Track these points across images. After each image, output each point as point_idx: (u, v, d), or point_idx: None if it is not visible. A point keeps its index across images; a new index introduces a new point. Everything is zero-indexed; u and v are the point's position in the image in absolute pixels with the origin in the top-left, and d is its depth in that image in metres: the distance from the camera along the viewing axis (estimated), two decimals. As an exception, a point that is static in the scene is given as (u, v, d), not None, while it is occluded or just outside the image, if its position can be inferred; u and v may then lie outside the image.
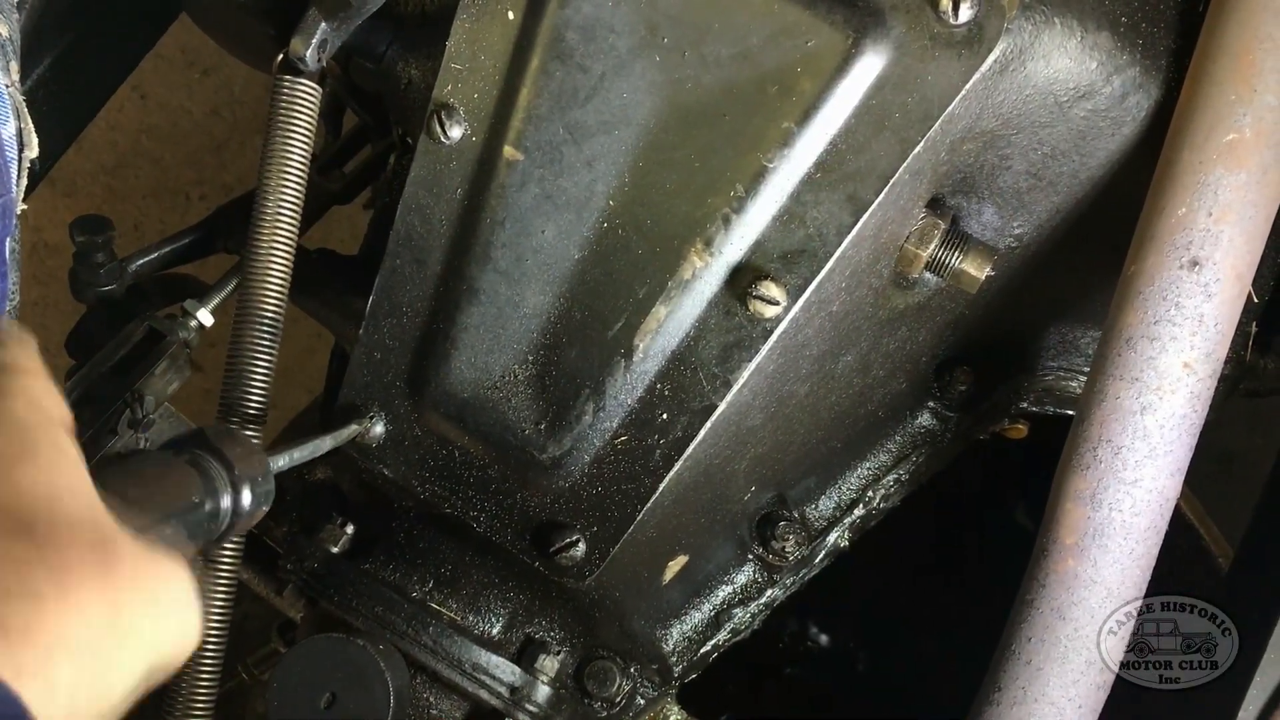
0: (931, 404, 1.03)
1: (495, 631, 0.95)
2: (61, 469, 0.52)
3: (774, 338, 0.80)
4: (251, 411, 0.85)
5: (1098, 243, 0.89)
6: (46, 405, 0.54)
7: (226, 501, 0.68)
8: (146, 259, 0.98)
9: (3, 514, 0.47)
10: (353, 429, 0.88)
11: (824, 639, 1.69)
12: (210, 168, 2.28)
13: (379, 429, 0.88)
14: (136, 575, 0.50)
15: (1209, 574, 1.19)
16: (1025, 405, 1.04)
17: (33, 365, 0.55)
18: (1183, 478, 0.83)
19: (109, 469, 0.61)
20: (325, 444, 0.85)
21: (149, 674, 0.51)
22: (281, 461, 0.79)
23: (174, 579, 0.53)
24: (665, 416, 0.83)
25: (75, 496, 0.51)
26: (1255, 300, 0.98)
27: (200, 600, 0.56)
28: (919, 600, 1.63)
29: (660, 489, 0.84)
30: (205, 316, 0.93)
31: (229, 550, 0.88)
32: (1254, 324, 1.00)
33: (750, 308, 0.80)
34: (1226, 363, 0.98)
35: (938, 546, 1.56)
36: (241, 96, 2.24)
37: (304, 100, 0.84)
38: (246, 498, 0.69)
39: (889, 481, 1.04)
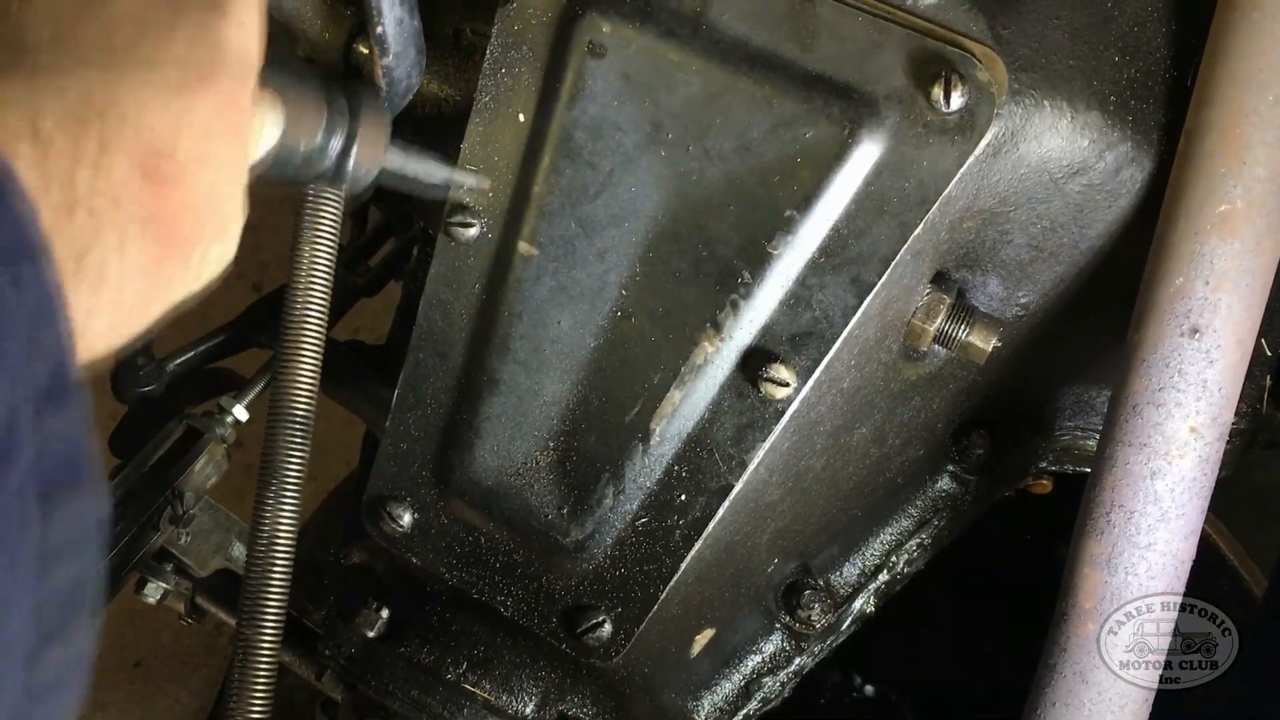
0: (950, 468, 1.05)
1: (529, 711, 0.97)
2: None
3: (786, 417, 0.83)
4: (287, 498, 0.88)
5: (1104, 307, 0.91)
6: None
7: (328, 164, 0.70)
8: (184, 358, 1.02)
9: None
10: (470, 180, 0.85)
11: (869, 690, 1.69)
12: (245, 247, 2.32)
13: (407, 518, 0.91)
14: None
15: (1251, 614, 1.18)
16: (1044, 465, 1.05)
17: None
18: (1197, 540, 0.84)
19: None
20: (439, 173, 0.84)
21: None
22: (396, 162, 0.78)
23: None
24: (684, 498, 0.85)
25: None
26: (1269, 354, 0.99)
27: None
28: (965, 646, 1.62)
29: (682, 568, 0.86)
30: (240, 412, 0.97)
31: (269, 632, 0.91)
32: (1269, 377, 1.01)
33: (762, 390, 0.82)
34: (1243, 417, 0.99)
35: (982, 591, 1.55)
36: (273, 178, 2.30)
37: (328, 205, 0.88)
38: (346, 175, 0.71)
39: (912, 546, 1.05)
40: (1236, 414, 0.97)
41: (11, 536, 0.37)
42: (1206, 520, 1.23)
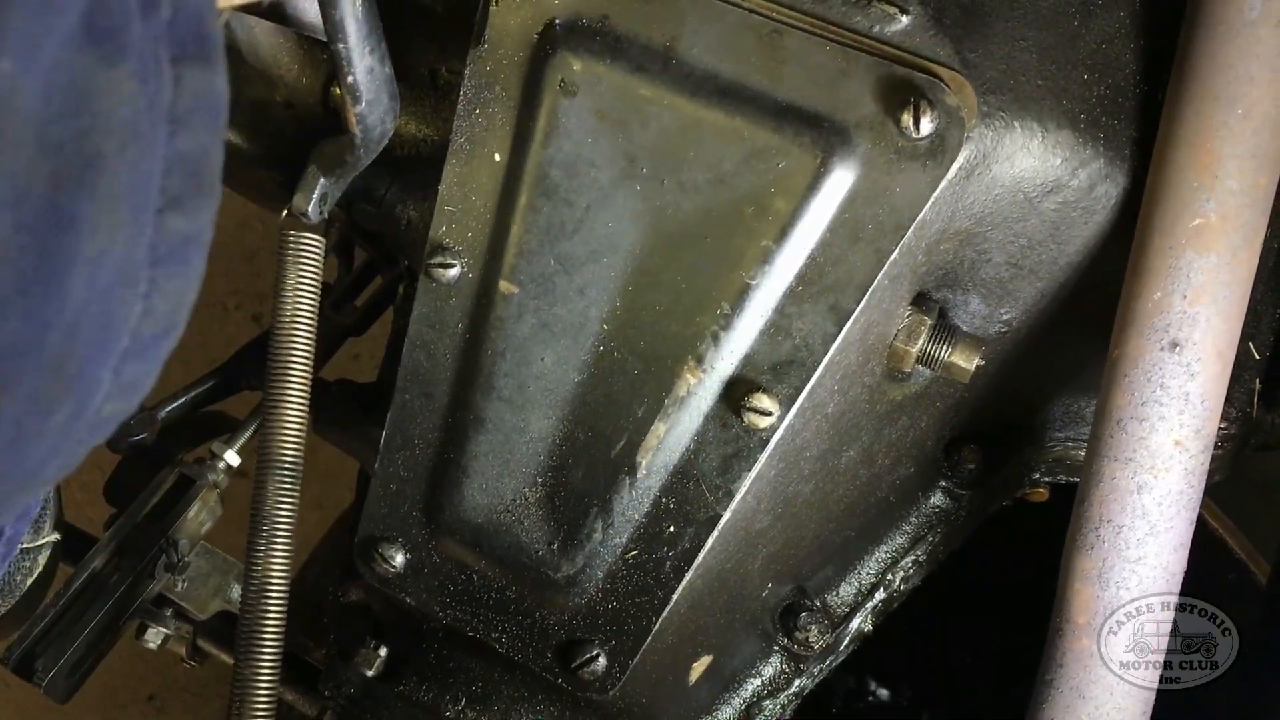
0: (943, 484, 1.05)
1: (529, 744, 0.97)
2: None
3: (771, 446, 0.83)
4: (278, 542, 0.89)
5: (1087, 319, 0.91)
6: None
7: None
8: (174, 405, 1.03)
9: None
10: None
11: (883, 694, 1.68)
12: (244, 277, 2.35)
13: (400, 558, 0.92)
14: None
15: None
16: (1037, 476, 1.05)
17: None
18: (1187, 551, 0.84)
19: None
20: None
21: None
22: None
23: None
24: (672, 529, 0.85)
25: None
26: (1257, 357, 0.99)
27: None
28: (980, 650, 1.62)
29: (674, 599, 0.86)
30: (232, 458, 0.97)
31: (266, 673, 0.91)
32: (1258, 380, 1.01)
33: (745, 420, 0.82)
34: (1233, 422, 0.99)
35: (997, 593, 1.55)
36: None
37: (308, 250, 0.89)
38: None
39: (907, 563, 1.05)
40: (1226, 419, 0.97)
41: (153, 82, 0.41)
42: (1212, 514, 1.24)
